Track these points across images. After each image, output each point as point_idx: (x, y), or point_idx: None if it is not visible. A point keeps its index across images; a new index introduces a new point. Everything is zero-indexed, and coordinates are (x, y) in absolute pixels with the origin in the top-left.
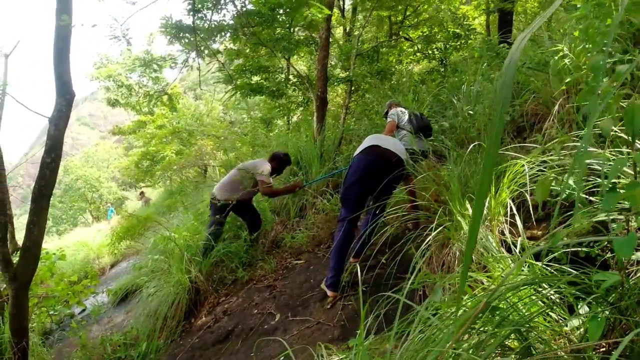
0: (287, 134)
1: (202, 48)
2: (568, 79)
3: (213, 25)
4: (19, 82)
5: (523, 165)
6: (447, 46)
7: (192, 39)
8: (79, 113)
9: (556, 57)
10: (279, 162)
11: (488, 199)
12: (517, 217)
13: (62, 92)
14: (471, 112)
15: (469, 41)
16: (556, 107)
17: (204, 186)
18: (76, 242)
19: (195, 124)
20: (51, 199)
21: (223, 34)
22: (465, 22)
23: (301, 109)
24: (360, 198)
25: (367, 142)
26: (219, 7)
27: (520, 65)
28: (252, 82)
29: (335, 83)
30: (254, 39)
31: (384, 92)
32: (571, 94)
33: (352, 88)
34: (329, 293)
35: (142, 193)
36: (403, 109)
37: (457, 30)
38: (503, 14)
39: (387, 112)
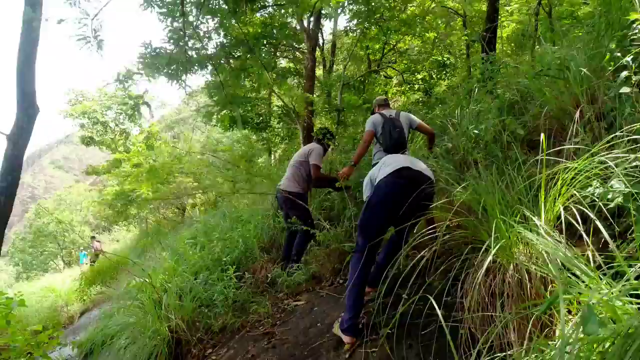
0: (273, 168)
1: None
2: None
3: (194, 56)
4: None
5: (575, 169)
6: (432, 76)
7: (171, 70)
8: (53, 156)
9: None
10: (327, 137)
11: (542, 212)
12: (579, 228)
13: (24, 106)
14: (476, 131)
15: (456, 69)
16: (577, 114)
17: (182, 226)
18: (43, 288)
19: (173, 162)
20: (22, 243)
21: (205, 65)
22: (453, 50)
23: (285, 142)
24: (384, 227)
25: (394, 163)
26: (203, 36)
27: (537, 72)
28: (234, 114)
29: (322, 114)
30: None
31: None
32: (586, 103)
33: (339, 119)
34: (346, 339)
35: (93, 237)
36: (384, 113)
37: (446, 57)
38: (488, 42)
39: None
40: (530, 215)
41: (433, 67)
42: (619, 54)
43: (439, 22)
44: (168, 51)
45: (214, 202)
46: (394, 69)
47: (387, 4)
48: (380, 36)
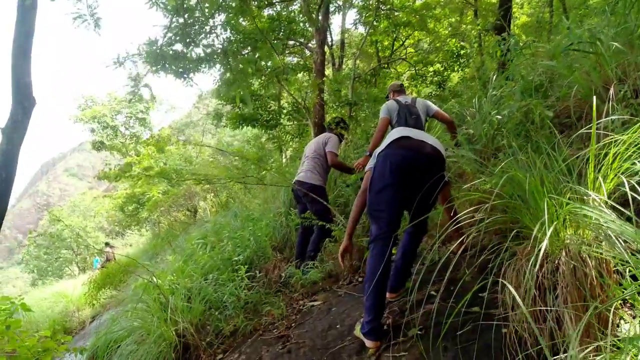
0: (285, 167)
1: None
2: None
3: (201, 53)
4: None
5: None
6: (446, 67)
7: (180, 67)
8: (67, 164)
9: None
10: (341, 126)
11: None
12: None
13: (19, 98)
14: (499, 116)
15: (471, 59)
16: (611, 91)
17: (193, 227)
18: (55, 293)
19: (184, 164)
20: (36, 250)
21: (212, 63)
22: (467, 38)
23: (296, 139)
24: (393, 206)
25: (394, 133)
26: (209, 31)
27: (566, 46)
28: (244, 112)
29: (334, 107)
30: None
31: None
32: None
33: (351, 114)
34: (369, 343)
35: (107, 244)
36: (400, 100)
37: (461, 45)
38: (501, 29)
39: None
40: (588, 191)
41: (447, 58)
42: None
43: (448, 11)
44: (174, 49)
45: (225, 203)
46: (406, 61)
47: None
48: (390, 30)
